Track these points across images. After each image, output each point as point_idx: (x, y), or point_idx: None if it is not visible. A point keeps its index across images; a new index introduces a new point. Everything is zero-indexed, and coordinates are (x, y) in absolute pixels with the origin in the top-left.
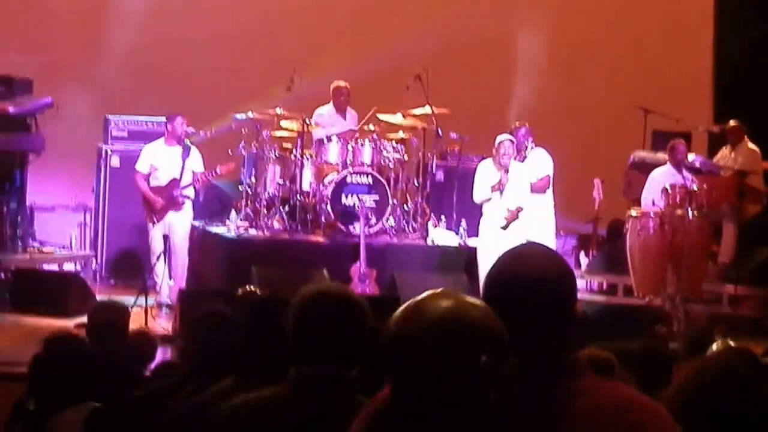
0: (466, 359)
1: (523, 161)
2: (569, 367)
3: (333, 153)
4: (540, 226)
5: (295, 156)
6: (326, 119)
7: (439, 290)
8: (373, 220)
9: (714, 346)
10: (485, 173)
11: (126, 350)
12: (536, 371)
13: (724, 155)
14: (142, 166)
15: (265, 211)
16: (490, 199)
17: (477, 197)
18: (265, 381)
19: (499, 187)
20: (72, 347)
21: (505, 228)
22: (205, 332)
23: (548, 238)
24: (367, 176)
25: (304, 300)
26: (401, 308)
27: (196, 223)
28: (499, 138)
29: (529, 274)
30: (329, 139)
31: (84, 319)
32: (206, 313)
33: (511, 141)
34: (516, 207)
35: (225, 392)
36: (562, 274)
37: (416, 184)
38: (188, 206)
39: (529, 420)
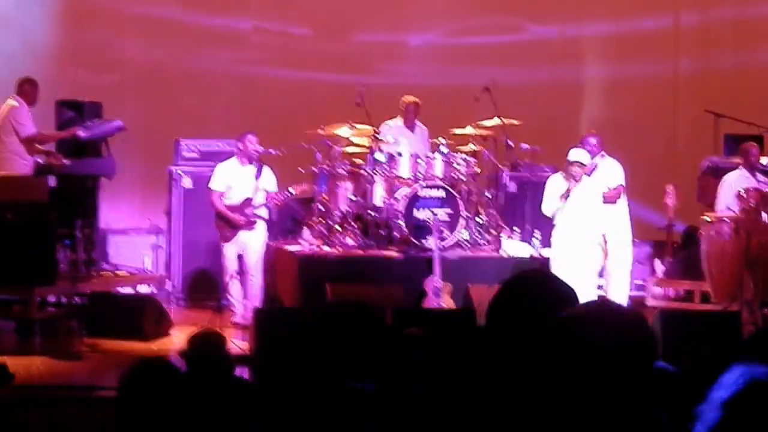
0: None
1: (592, 172)
2: None
3: (404, 167)
4: (616, 235)
5: (367, 172)
6: (394, 132)
7: None
8: (447, 234)
9: None
10: (554, 187)
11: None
12: None
13: None
14: (216, 185)
15: (338, 228)
16: (559, 209)
17: (546, 209)
18: None
19: (566, 194)
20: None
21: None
22: None
23: (625, 247)
24: (439, 190)
25: None
26: None
27: (270, 242)
28: (572, 156)
29: None
30: (400, 153)
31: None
32: None
33: (581, 165)
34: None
35: None
36: None
37: (488, 196)
38: (261, 225)
39: None
